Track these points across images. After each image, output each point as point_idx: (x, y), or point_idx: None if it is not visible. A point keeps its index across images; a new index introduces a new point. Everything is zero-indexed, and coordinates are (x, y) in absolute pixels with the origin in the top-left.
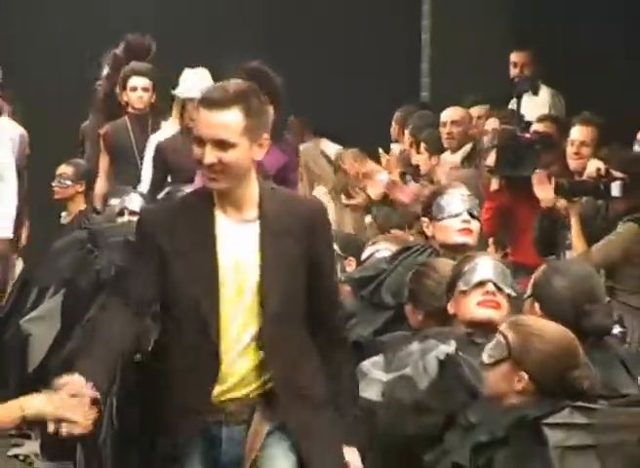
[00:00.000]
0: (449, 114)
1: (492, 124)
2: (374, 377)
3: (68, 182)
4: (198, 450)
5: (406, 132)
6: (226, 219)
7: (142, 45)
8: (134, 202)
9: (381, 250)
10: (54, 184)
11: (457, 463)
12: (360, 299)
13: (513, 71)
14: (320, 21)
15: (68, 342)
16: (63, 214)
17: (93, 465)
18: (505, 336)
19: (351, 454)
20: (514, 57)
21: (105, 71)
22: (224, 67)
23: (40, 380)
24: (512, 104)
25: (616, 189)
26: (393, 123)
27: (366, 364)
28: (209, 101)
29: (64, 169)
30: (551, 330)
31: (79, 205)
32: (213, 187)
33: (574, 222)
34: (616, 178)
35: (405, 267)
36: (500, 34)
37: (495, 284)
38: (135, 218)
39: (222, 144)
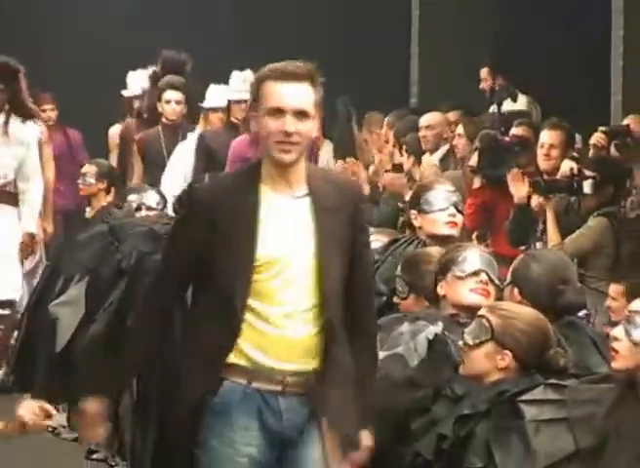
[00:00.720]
0: (424, 119)
1: (459, 129)
2: None
3: (92, 180)
4: (255, 420)
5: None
6: (276, 195)
7: (178, 61)
8: (151, 198)
9: (372, 241)
10: (79, 182)
11: (442, 434)
12: None
13: (482, 84)
14: (319, 32)
15: (92, 325)
16: (87, 208)
17: (113, 436)
18: (488, 320)
19: (364, 435)
20: (483, 72)
21: (147, 86)
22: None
23: (66, 360)
24: (492, 110)
25: (587, 187)
26: (384, 126)
27: None
28: (286, 74)
29: (88, 168)
30: (527, 313)
31: (101, 201)
32: (283, 159)
33: (549, 217)
34: (587, 177)
35: (395, 257)
36: (483, 46)
37: (487, 274)
38: (152, 213)
39: (302, 114)
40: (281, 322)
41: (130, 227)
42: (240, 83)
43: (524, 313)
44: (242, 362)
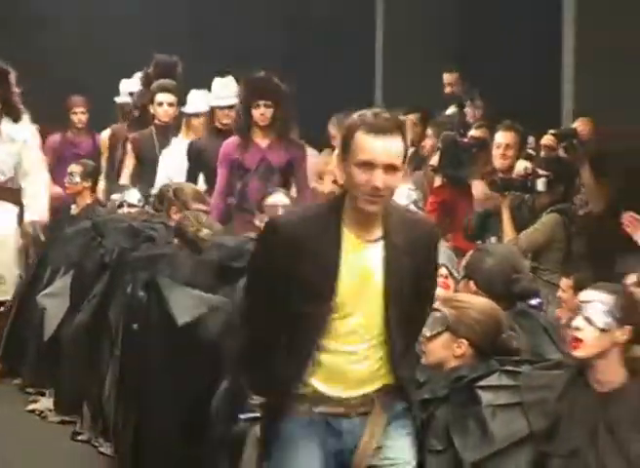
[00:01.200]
0: None
1: (429, 131)
2: None
3: (77, 179)
4: (317, 441)
5: None
6: (354, 238)
7: (169, 62)
8: (132, 196)
9: None
10: (65, 181)
11: None
12: None
13: (447, 89)
14: (292, 38)
15: (77, 316)
16: (73, 206)
17: (97, 419)
18: (442, 312)
19: None
20: (446, 77)
21: (139, 88)
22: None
23: (53, 348)
24: (451, 111)
25: (540, 185)
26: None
27: None
28: (378, 128)
29: (74, 168)
30: (479, 302)
31: (86, 199)
32: (369, 210)
33: (505, 213)
34: (540, 176)
35: None
36: (441, 55)
37: (447, 268)
38: (133, 210)
39: (391, 169)
40: (348, 357)
41: (112, 224)
42: (223, 88)
43: (476, 303)
44: (308, 392)
